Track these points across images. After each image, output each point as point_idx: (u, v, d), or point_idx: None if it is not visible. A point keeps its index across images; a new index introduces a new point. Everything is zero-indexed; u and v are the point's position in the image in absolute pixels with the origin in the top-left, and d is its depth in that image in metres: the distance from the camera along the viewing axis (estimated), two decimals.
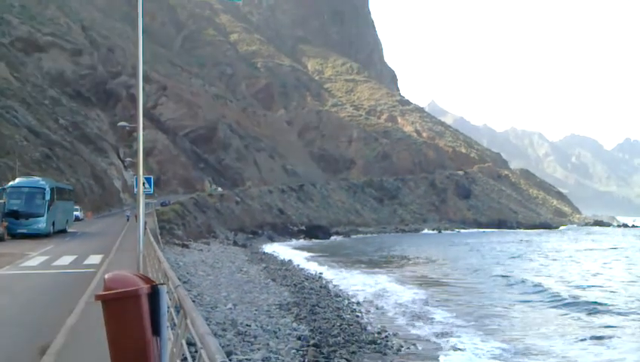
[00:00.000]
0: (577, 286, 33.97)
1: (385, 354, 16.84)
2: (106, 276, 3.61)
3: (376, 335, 19.05)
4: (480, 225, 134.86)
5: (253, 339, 16.18)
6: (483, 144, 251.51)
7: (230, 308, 20.16)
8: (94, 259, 21.71)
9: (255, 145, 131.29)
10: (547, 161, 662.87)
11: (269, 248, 62.31)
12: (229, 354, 13.63)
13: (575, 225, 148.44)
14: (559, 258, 56.44)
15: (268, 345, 15.81)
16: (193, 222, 57.94)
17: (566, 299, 27.96)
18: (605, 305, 26.57)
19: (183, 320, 5.58)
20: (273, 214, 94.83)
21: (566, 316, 23.85)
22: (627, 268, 46.16)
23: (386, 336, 19.02)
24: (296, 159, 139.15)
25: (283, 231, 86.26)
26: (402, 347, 17.73)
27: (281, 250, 62.33)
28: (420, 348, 17.86)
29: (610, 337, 19.87)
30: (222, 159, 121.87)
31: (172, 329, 6.67)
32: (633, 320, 22.97)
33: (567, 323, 22.61)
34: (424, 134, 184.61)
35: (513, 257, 56.29)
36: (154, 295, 3.53)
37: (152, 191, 19.07)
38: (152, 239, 16.13)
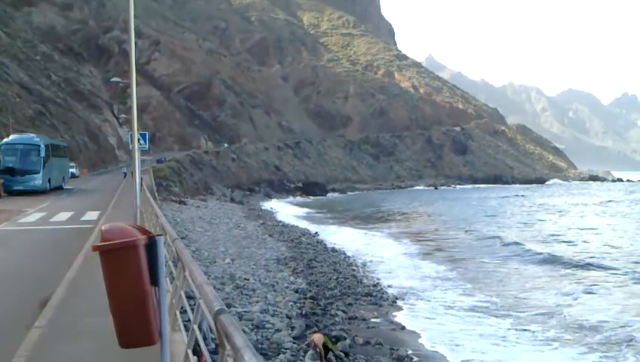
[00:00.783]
0: (565, 241, 34.45)
1: (380, 306, 17.19)
2: (103, 227, 3.62)
3: (371, 287, 19.39)
4: (476, 181, 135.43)
5: (251, 292, 16.46)
6: (480, 99, 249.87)
7: (228, 263, 20.42)
8: (92, 215, 21.79)
9: (250, 101, 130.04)
10: (544, 116, 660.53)
11: (267, 205, 62.70)
12: (227, 306, 13.77)
13: (560, 181, 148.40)
14: (553, 213, 57.03)
15: (266, 297, 16.09)
16: (189, 179, 57.98)
17: (554, 254, 28.31)
18: (594, 258, 27.05)
19: (181, 272, 5.65)
20: (269, 171, 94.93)
21: (555, 271, 24.22)
22: (614, 222, 46.68)
23: (381, 289, 19.37)
24: (292, 116, 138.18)
25: (279, 188, 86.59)
26: (397, 299, 18.08)
27: (279, 206, 62.73)
28: (413, 300, 18.20)
29: (598, 289, 20.28)
30: (217, 116, 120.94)
31: (171, 282, 6.76)
32: (623, 274, 23.40)
33: (556, 277, 23.00)
34: (421, 90, 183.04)
35: (505, 213, 56.77)
36: (151, 246, 3.54)
37: (147, 147, 18.97)
38: (148, 195, 16.16)
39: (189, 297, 5.65)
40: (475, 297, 18.59)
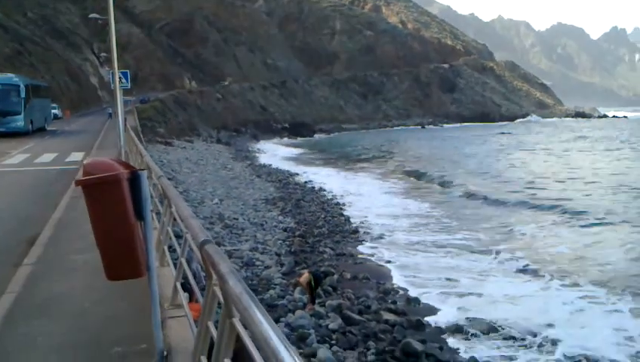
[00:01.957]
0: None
1: (367, 241, 17.55)
2: (85, 162, 3.55)
3: (359, 225, 19.70)
4: (463, 119, 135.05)
5: (240, 232, 16.67)
6: (469, 35, 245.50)
7: (217, 203, 20.53)
8: (76, 156, 21.53)
9: (234, 38, 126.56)
10: (533, 51, 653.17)
11: (255, 146, 62.49)
12: (217, 245, 13.95)
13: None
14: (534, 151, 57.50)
15: (255, 236, 16.32)
16: (174, 120, 57.22)
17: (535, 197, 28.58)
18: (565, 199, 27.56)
19: (167, 209, 5.64)
20: (256, 111, 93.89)
21: (537, 212, 24.51)
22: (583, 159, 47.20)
23: (368, 226, 19.69)
24: (278, 53, 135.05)
25: (266, 129, 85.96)
26: (384, 235, 18.41)
27: (267, 147, 62.58)
28: (400, 236, 18.55)
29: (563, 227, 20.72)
30: (200, 54, 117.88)
31: (158, 220, 6.77)
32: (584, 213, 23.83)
33: (538, 217, 23.40)
34: (409, 25, 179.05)
35: (488, 153, 56.85)
36: (134, 180, 3.49)
37: (129, 86, 18.53)
38: (133, 135, 15.93)
39: (178, 236, 5.67)
40: (458, 235, 18.93)
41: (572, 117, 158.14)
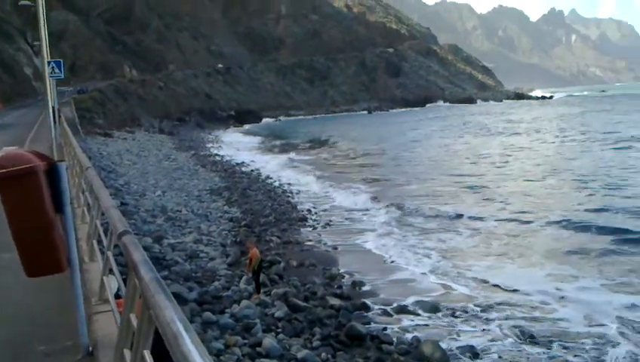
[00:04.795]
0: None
1: (315, 228, 17.63)
2: None
3: (306, 212, 19.75)
4: (408, 103, 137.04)
5: (184, 224, 16.39)
6: (413, 19, 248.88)
7: (159, 195, 20.09)
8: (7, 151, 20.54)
9: (176, 24, 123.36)
10: (475, 34, 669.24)
11: (200, 134, 61.51)
12: (159, 238, 13.77)
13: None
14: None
15: (199, 228, 16.09)
16: (115, 110, 55.42)
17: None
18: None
19: (95, 201, 5.47)
20: (200, 99, 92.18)
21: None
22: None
23: (316, 213, 19.78)
24: (221, 39, 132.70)
25: (211, 117, 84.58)
26: (331, 222, 18.56)
27: (214, 136, 61.74)
28: (347, 222, 18.74)
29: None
30: (141, 41, 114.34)
31: (88, 212, 6.60)
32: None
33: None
34: (355, 9, 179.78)
35: (428, 136, 58.04)
36: (52, 172, 3.39)
37: (62, 75, 17.75)
38: (66, 126, 15.30)
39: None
40: (399, 212, 19.30)
41: (512, 98, 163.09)
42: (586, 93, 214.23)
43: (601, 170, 26.54)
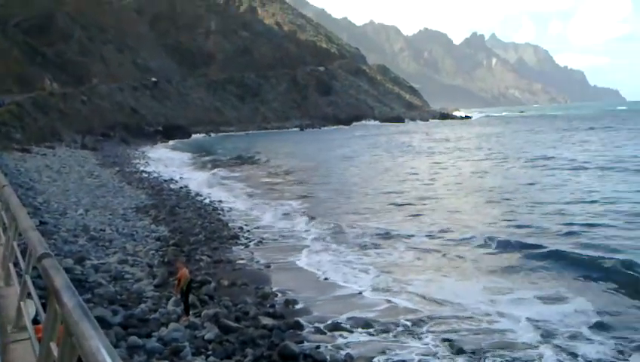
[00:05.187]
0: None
1: (247, 246, 17.34)
2: None
3: (237, 230, 19.41)
4: (339, 121, 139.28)
5: (108, 243, 15.67)
6: (343, 38, 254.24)
7: (81, 214, 19.13)
8: None
9: (100, 36, 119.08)
10: (402, 56, 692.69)
11: (126, 150, 59.42)
12: (81, 259, 13.08)
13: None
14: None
15: (124, 248, 15.42)
16: (34, 125, 52.49)
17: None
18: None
19: (12, 222, 5.09)
20: (126, 114, 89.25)
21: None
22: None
23: (248, 231, 19.48)
24: (149, 53, 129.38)
25: (138, 133, 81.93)
26: (263, 239, 18.32)
27: (142, 151, 59.84)
28: (280, 239, 18.58)
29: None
30: (63, 53, 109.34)
31: (4, 232, 6.14)
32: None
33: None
34: (285, 27, 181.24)
35: (358, 153, 59.25)
36: None
37: None
38: None
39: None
40: (332, 229, 19.41)
41: (438, 118, 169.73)
42: (504, 113, 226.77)
43: (521, 188, 27.92)
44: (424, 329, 10.56)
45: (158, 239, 17.01)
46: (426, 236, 18.26)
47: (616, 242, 16.03)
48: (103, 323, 8.86)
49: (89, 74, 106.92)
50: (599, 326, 10.36)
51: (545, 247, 15.59)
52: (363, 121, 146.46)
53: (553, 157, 40.42)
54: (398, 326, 10.66)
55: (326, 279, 13.94)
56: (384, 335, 10.32)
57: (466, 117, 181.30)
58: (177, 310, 10.54)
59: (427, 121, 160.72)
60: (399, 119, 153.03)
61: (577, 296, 12.01)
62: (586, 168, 33.91)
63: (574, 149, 48.66)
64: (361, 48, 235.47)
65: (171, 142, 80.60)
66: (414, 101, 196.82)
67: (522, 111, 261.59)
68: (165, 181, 32.63)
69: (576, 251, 15.14)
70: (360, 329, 10.52)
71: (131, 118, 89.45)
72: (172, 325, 9.69)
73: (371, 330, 10.50)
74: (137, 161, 47.73)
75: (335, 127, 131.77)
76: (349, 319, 10.99)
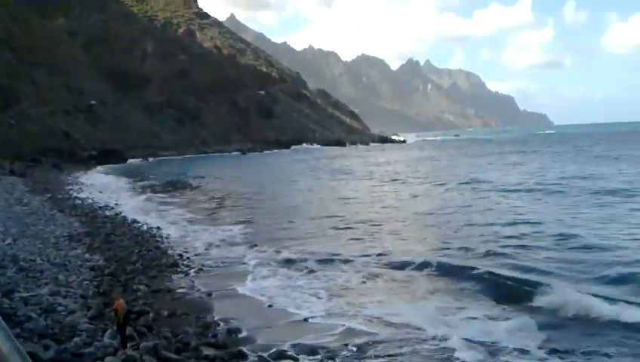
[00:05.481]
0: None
1: (187, 274, 16.90)
2: None
3: (177, 258, 18.90)
4: (281, 145, 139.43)
5: (39, 274, 14.86)
6: (283, 63, 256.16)
7: (9, 244, 18.08)
8: None
9: (30, 59, 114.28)
10: (341, 80, 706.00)
11: (58, 176, 56.93)
12: (10, 292, 12.35)
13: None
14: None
15: (57, 278, 14.66)
16: None
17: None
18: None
19: None
20: (58, 138, 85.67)
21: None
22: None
23: (188, 258, 19.00)
24: (83, 76, 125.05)
25: (71, 158, 78.72)
26: (204, 266, 17.93)
27: (76, 176, 57.55)
28: (222, 266, 18.24)
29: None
30: None
31: None
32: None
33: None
34: (225, 51, 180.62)
35: (300, 176, 59.76)
36: None
37: None
38: None
39: None
40: (274, 254, 19.27)
41: (377, 142, 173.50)
42: (439, 138, 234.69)
43: (456, 210, 28.76)
44: (371, 352, 10.59)
45: (92, 268, 16.31)
46: (371, 259, 18.39)
47: (546, 264, 16.65)
48: (35, 358, 8.36)
49: (17, 97, 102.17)
50: (546, 341, 10.86)
51: (483, 268, 16.01)
52: (305, 145, 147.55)
53: (485, 181, 41.80)
54: (345, 351, 10.63)
55: (270, 306, 13.74)
56: (329, 361, 10.27)
57: (402, 141, 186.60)
58: (114, 343, 10.07)
59: (368, 144, 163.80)
60: (340, 143, 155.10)
61: (520, 315, 12.46)
62: (517, 191, 35.37)
63: (506, 172, 50.88)
64: (301, 73, 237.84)
65: (106, 168, 77.94)
66: (355, 125, 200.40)
67: (457, 135, 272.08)
68: (100, 207, 31.44)
69: (507, 273, 15.57)
70: (306, 357, 10.41)
71: (64, 142, 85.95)
72: (108, 359, 9.26)
73: (318, 357, 10.41)
74: (70, 187, 45.79)
75: (277, 150, 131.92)
76: (294, 346, 10.84)
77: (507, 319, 12.29)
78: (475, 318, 12.44)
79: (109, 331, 10.50)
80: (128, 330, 10.36)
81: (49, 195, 35.74)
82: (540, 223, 23.08)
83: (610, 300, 12.68)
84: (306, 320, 12.67)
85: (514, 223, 23.63)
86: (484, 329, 11.64)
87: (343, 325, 12.13)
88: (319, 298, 14.30)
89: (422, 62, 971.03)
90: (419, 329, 11.73)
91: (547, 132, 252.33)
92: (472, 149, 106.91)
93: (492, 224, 23.75)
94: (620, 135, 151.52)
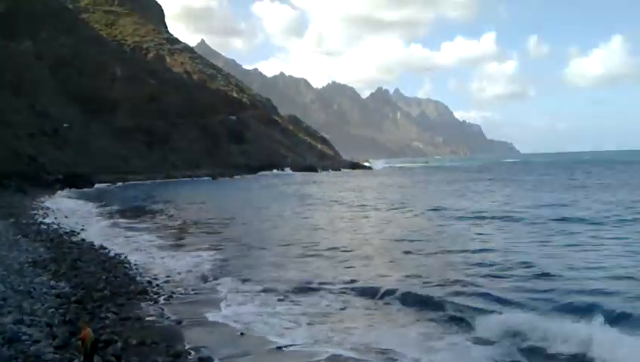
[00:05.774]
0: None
1: (156, 302, 16.57)
2: None
3: (146, 284, 18.54)
4: (252, 170, 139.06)
5: (2, 302, 14.37)
6: (254, 89, 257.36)
7: None
8: None
9: None
10: (312, 107, 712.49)
11: (22, 200, 55.43)
12: None
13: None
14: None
15: (20, 307, 14.19)
16: None
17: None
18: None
19: None
20: (22, 162, 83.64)
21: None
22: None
23: (157, 285, 18.65)
24: (49, 99, 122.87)
25: (36, 182, 76.78)
26: (174, 293, 17.62)
27: (39, 201, 56.10)
28: (192, 293, 17.96)
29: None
30: None
31: None
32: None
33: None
34: (195, 76, 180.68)
35: (272, 200, 59.74)
36: None
37: None
38: None
39: None
40: (247, 280, 19.09)
41: (349, 168, 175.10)
42: (409, 164, 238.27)
43: (425, 237, 28.94)
44: None
45: (58, 296, 15.84)
46: (345, 285, 18.30)
47: (518, 294, 16.66)
48: None
49: None
50: None
51: (455, 297, 16.10)
52: (275, 171, 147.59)
53: (452, 209, 42.15)
54: None
55: (242, 334, 13.54)
56: None
57: (374, 167, 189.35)
58: None
59: (339, 170, 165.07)
60: (312, 168, 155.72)
61: (500, 340, 12.55)
62: (483, 218, 35.91)
63: (472, 199, 51.69)
64: (272, 99, 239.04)
65: (73, 192, 76.32)
66: (326, 151, 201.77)
67: (427, 162, 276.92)
68: (66, 233, 30.68)
69: (473, 303, 15.61)
70: None
71: (29, 166, 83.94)
72: None
73: None
74: (35, 211, 44.63)
75: (248, 175, 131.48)
76: None
77: (486, 344, 12.40)
78: (455, 344, 12.53)
79: (75, 361, 10.22)
80: (96, 360, 10.12)
81: (13, 220, 34.75)
82: (505, 251, 23.45)
83: (578, 328, 12.72)
84: (279, 348, 12.49)
85: (481, 250, 24.01)
86: (465, 356, 11.74)
87: (327, 352, 12.05)
88: (292, 324, 14.18)
89: (391, 91, 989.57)
90: (404, 355, 11.76)
91: (512, 160, 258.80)
92: (440, 177, 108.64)
93: (459, 251, 24.06)
94: (583, 163, 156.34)
